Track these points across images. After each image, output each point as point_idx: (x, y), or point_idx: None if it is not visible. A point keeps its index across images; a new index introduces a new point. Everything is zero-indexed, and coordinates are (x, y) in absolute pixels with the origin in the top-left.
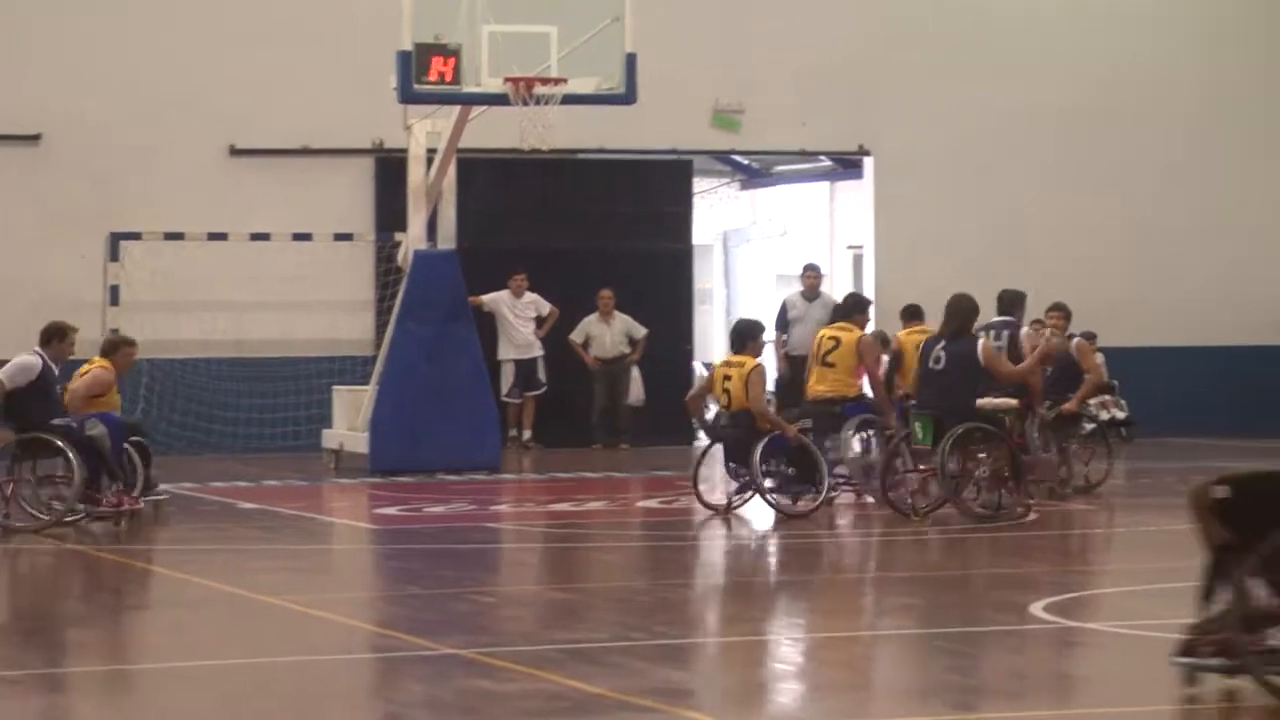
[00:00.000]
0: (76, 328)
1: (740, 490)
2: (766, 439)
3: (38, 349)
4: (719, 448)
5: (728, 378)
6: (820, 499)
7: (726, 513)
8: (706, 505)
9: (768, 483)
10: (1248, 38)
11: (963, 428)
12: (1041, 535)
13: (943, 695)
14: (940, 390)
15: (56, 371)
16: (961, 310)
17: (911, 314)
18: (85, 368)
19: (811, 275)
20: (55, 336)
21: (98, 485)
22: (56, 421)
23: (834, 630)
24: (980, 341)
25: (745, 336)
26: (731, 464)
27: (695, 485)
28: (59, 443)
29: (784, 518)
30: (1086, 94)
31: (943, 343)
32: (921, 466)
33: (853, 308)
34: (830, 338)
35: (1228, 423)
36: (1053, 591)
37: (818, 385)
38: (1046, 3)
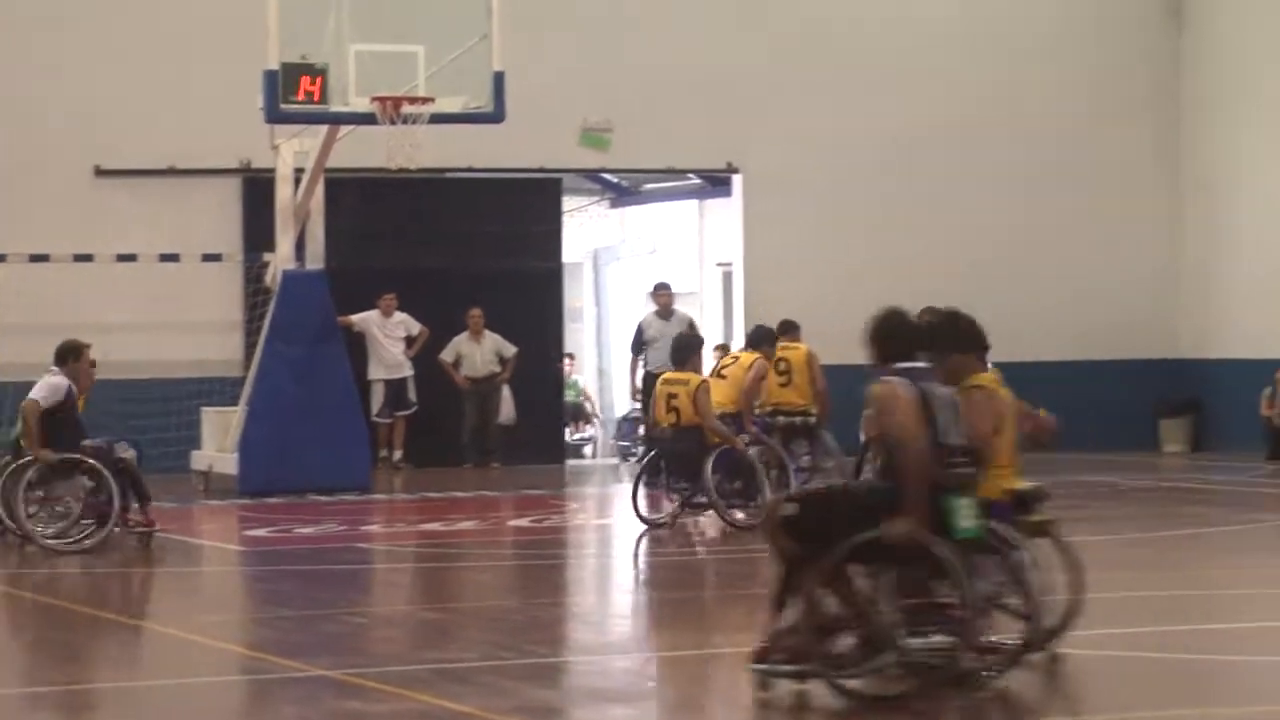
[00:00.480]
0: (89, 344)
1: (685, 504)
2: (716, 453)
3: (55, 368)
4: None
5: (674, 395)
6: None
7: (672, 526)
8: (645, 520)
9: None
10: (1110, 45)
11: None
12: None
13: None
14: None
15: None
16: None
17: (785, 329)
18: None
19: (664, 294)
20: (71, 355)
21: (126, 505)
22: (87, 443)
23: (701, 647)
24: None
25: (687, 352)
26: (673, 479)
27: (635, 500)
28: (95, 465)
29: (650, 531)
30: (953, 110)
31: None
32: None
33: (761, 339)
34: (732, 356)
35: (1080, 437)
36: None
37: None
38: (912, 21)
